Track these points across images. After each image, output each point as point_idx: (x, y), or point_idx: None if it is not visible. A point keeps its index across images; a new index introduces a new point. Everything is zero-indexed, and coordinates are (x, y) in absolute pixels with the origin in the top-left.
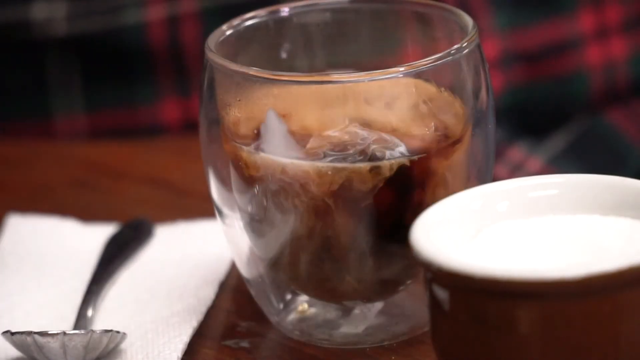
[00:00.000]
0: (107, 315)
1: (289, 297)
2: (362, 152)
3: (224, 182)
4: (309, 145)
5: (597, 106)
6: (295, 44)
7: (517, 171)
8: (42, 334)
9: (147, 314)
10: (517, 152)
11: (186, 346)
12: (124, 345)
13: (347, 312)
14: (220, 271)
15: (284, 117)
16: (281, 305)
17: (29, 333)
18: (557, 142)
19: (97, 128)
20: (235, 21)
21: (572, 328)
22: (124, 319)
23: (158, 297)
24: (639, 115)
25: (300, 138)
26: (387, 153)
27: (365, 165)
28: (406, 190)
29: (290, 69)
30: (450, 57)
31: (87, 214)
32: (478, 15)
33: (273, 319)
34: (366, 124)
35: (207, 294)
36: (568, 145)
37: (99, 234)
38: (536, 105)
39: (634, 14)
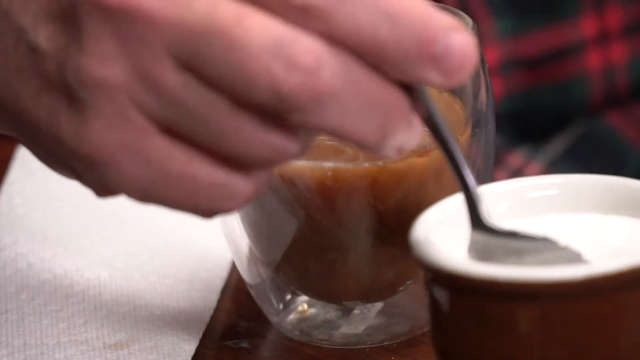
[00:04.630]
0: (109, 313)
1: (288, 297)
2: (362, 152)
3: None
4: None
5: (597, 111)
6: None
7: (516, 176)
8: None
9: (150, 318)
10: (516, 157)
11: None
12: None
13: (346, 312)
14: (220, 274)
15: None
16: (281, 306)
17: None
18: (556, 146)
19: None
20: None
21: (572, 329)
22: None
23: (159, 299)
24: (639, 118)
25: None
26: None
27: (365, 166)
28: (406, 190)
29: None
30: None
31: None
32: (479, 21)
33: (273, 319)
34: None
35: (210, 298)
36: (567, 148)
37: None
38: (536, 111)
39: (635, 19)
